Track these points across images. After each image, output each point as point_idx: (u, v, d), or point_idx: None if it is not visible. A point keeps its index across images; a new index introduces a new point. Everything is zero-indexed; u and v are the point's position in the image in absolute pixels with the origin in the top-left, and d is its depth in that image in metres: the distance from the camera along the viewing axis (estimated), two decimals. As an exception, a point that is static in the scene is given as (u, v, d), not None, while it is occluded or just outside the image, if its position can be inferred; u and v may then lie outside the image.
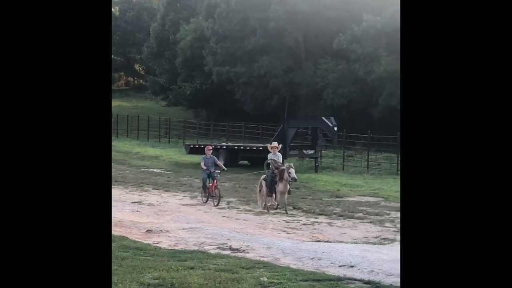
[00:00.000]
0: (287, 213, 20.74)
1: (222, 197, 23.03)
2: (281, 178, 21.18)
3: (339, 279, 11.26)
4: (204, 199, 23.40)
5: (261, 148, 37.09)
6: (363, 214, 21.03)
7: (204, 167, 23.37)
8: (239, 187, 28.44)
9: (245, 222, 19.42)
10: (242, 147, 38.63)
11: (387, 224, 19.28)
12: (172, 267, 11.81)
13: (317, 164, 35.63)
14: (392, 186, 29.21)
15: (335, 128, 35.10)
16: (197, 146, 41.65)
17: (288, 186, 21.41)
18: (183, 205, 22.87)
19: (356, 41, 48.47)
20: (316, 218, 20.30)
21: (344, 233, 17.78)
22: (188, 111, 68.81)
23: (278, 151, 22.90)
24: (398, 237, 17.16)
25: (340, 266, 12.55)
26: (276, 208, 21.51)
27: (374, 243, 16.24)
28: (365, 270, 12.10)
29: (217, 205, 22.41)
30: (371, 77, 47.53)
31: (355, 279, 11.27)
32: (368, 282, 11.02)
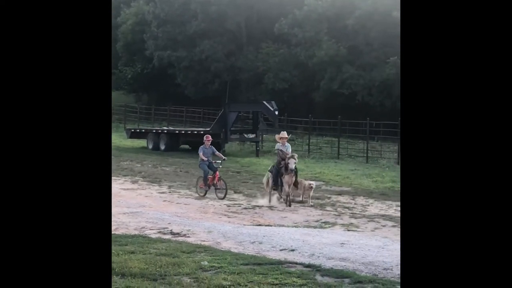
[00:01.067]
0: (289, 206, 19.73)
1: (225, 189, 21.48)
2: (287, 170, 20.36)
3: (280, 262, 11.29)
4: (202, 192, 21.84)
5: (202, 132, 37.05)
6: (304, 198, 21.11)
7: (204, 158, 21.86)
8: (181, 171, 28.39)
9: (186, 206, 19.36)
10: (183, 132, 38.44)
11: (328, 208, 19.43)
12: (113, 251, 11.67)
13: (258, 148, 35.70)
14: (333, 170, 29.44)
15: (276, 112, 35.12)
16: (138, 130, 41.46)
17: (293, 178, 20.35)
18: (124, 189, 22.64)
19: (297, 25, 48.52)
20: (257, 202, 20.34)
21: (285, 217, 17.86)
22: (129, 95, 68.15)
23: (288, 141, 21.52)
24: (339, 220, 17.31)
25: (281, 250, 12.58)
26: (284, 201, 20.32)
27: (315, 227, 16.34)
28: (305, 254, 12.15)
29: (224, 197, 21.07)
30: (312, 61, 47.67)
31: (296, 263, 11.31)
32: (308, 266, 11.06)
